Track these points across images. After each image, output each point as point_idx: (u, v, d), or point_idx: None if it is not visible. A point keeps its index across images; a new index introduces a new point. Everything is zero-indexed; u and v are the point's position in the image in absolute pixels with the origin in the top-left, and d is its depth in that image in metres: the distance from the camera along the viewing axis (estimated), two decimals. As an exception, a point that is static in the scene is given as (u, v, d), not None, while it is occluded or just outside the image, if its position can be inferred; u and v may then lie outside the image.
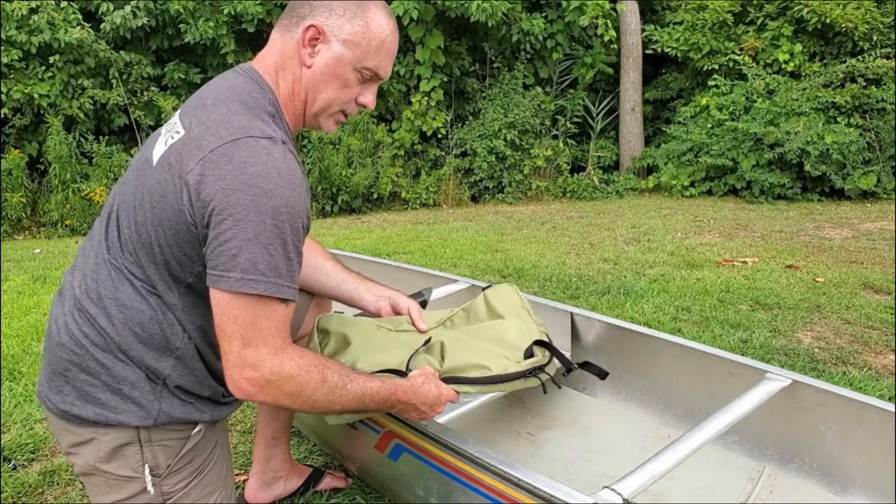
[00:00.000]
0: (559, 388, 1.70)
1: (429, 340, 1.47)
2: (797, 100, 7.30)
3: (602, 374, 1.67)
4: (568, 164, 8.40)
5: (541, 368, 1.48)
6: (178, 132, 1.11)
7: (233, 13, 7.23)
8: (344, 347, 1.43)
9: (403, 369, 1.37)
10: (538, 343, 1.53)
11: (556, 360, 1.58)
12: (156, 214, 1.07)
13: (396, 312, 1.58)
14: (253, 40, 7.65)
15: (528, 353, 1.49)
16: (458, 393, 1.37)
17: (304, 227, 1.10)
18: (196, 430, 1.18)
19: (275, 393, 1.06)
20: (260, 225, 1.01)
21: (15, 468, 1.95)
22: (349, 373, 1.17)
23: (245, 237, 1.00)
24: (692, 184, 7.77)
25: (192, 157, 1.05)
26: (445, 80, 8.02)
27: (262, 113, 1.12)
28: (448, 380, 1.38)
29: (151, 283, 1.11)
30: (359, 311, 1.65)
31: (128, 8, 6.79)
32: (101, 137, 7.09)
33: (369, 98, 1.23)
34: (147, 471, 1.14)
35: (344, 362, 1.36)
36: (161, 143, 1.13)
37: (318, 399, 1.11)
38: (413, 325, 1.56)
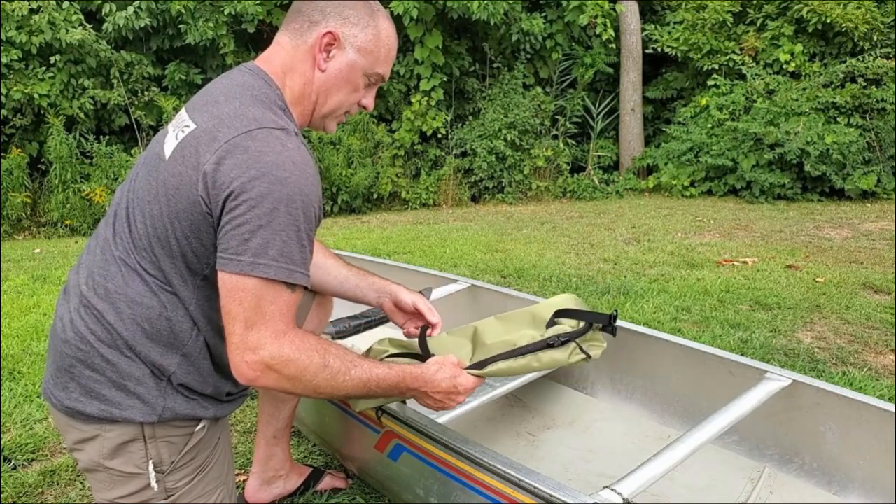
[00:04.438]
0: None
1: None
2: (797, 100, 7.29)
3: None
4: (568, 164, 8.39)
5: (570, 337, 1.35)
6: (187, 126, 1.13)
7: (233, 13, 7.23)
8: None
9: (418, 351, 1.33)
10: (560, 313, 1.42)
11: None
12: (171, 207, 1.09)
13: (399, 308, 1.56)
14: (253, 40, 7.65)
15: (550, 324, 1.41)
16: (481, 378, 1.32)
17: (317, 217, 1.12)
18: (199, 426, 1.19)
19: (276, 378, 1.07)
20: (274, 211, 1.03)
21: (15, 468, 1.95)
22: (354, 358, 1.17)
23: (258, 222, 1.03)
24: (692, 184, 7.76)
25: (207, 149, 1.07)
26: (445, 79, 8.01)
27: (274, 106, 1.16)
28: (473, 366, 1.33)
29: (166, 277, 1.12)
30: (364, 308, 1.65)
31: (130, 9, 6.79)
32: (101, 137, 7.10)
33: (370, 101, 1.31)
34: (151, 467, 1.14)
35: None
36: (171, 139, 1.15)
37: (320, 384, 1.11)
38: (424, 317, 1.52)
